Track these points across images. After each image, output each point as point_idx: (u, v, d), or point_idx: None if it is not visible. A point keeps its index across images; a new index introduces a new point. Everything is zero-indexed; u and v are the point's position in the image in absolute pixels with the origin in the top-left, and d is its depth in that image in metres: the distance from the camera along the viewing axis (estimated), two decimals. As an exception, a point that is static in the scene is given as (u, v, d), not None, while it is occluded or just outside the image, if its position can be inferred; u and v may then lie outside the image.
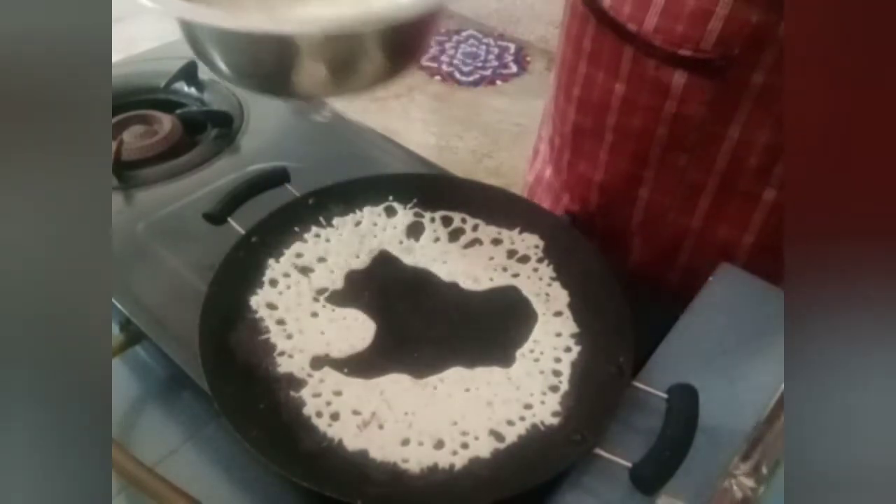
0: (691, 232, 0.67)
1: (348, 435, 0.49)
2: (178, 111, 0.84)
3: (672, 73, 0.58)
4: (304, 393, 0.51)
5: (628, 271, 0.73)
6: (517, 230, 0.65)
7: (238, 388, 0.51)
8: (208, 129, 0.83)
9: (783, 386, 0.50)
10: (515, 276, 0.61)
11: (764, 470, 0.45)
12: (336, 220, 0.65)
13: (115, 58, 0.80)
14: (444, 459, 0.48)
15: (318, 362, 0.54)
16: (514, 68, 2.53)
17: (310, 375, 0.53)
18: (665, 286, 0.71)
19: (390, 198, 0.67)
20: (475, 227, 0.65)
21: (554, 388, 0.52)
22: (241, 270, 0.59)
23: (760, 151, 0.59)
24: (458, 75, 2.48)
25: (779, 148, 0.58)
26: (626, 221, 0.70)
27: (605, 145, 0.67)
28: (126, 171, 0.75)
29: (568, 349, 0.55)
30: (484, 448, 0.48)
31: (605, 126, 0.66)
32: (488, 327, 0.57)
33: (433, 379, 0.53)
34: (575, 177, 0.73)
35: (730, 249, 0.65)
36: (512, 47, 2.62)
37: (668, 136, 0.61)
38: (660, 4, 0.55)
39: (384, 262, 0.62)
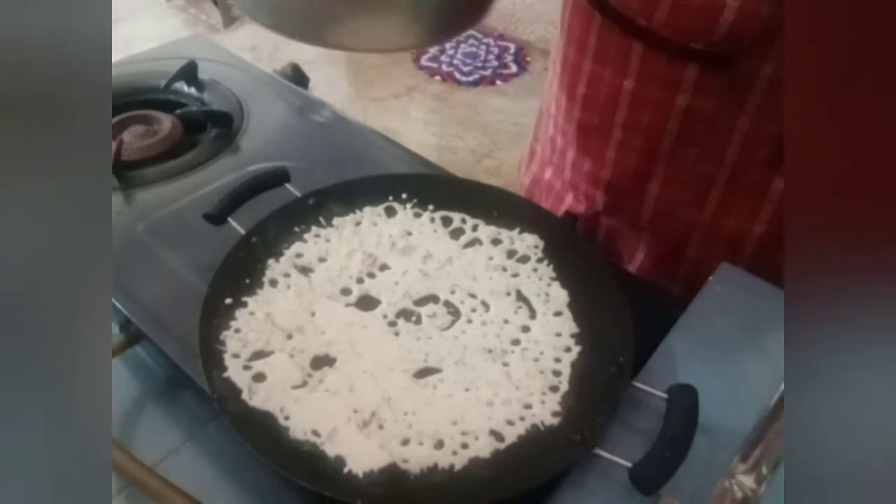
0: (701, 224, 0.67)
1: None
2: (178, 111, 0.84)
3: (684, 66, 0.58)
4: (304, 393, 0.51)
5: (636, 268, 0.74)
6: (517, 230, 0.65)
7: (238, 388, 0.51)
8: (208, 129, 0.83)
9: (783, 386, 0.50)
10: (515, 276, 0.61)
11: (764, 470, 0.45)
12: (336, 220, 0.65)
13: (115, 58, 0.80)
14: (444, 459, 0.48)
15: (318, 362, 0.54)
16: (514, 68, 2.53)
17: (310, 375, 0.53)
18: (673, 280, 0.72)
19: (390, 198, 0.67)
20: (475, 227, 0.65)
21: (554, 388, 0.52)
22: (241, 270, 0.59)
23: (769, 142, 0.59)
24: (458, 75, 2.48)
25: None
26: (635, 218, 0.70)
27: (612, 142, 0.67)
28: (126, 171, 0.75)
29: (568, 349, 0.55)
30: (484, 448, 0.48)
31: (612, 123, 0.66)
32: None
33: (433, 379, 0.53)
34: (580, 176, 0.73)
35: (739, 240, 0.65)
36: (512, 47, 2.62)
37: (679, 129, 0.62)
38: None
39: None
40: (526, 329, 0.57)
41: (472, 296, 0.59)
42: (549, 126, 0.77)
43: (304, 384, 0.52)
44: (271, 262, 0.61)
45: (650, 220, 0.70)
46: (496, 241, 0.64)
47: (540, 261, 0.62)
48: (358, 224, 0.65)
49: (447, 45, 2.62)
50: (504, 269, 0.62)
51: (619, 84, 0.63)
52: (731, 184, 0.63)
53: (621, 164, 0.68)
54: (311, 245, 0.63)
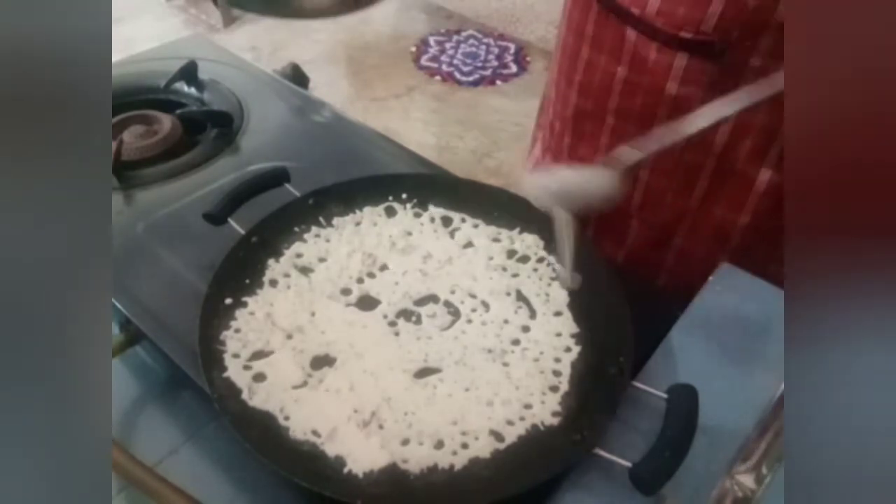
0: (688, 213, 0.68)
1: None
2: (178, 111, 0.84)
3: (674, 55, 0.59)
4: (304, 392, 0.51)
5: (624, 255, 0.74)
6: (517, 230, 0.65)
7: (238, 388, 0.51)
8: (208, 129, 0.83)
9: (783, 386, 0.50)
10: (515, 276, 0.61)
11: (764, 470, 0.45)
12: (336, 220, 0.65)
13: (115, 58, 0.80)
14: (444, 459, 0.48)
15: (319, 362, 0.54)
16: (514, 68, 2.53)
17: (310, 375, 0.53)
18: (660, 269, 0.72)
19: (390, 198, 0.67)
20: (475, 227, 0.66)
21: (554, 388, 0.52)
22: (241, 270, 0.59)
23: (756, 133, 0.60)
24: (458, 75, 2.48)
25: (774, 130, 0.59)
26: (626, 204, 0.71)
27: (605, 128, 0.68)
28: (126, 171, 0.75)
29: (568, 349, 0.55)
30: (484, 448, 0.48)
31: (606, 109, 0.67)
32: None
33: (433, 379, 0.53)
34: (575, 160, 0.74)
35: (725, 230, 0.66)
36: (512, 47, 2.62)
37: (668, 117, 0.63)
38: None
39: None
40: (526, 329, 0.57)
41: (472, 296, 0.59)
42: (549, 111, 0.78)
43: (305, 384, 0.52)
44: (271, 262, 0.61)
45: (639, 207, 0.71)
46: (496, 241, 0.64)
47: (540, 261, 0.62)
48: (358, 224, 0.65)
49: (447, 45, 2.62)
50: (504, 269, 0.62)
51: (613, 71, 0.64)
52: (718, 173, 0.64)
53: (613, 150, 0.69)
54: (311, 245, 0.63)
